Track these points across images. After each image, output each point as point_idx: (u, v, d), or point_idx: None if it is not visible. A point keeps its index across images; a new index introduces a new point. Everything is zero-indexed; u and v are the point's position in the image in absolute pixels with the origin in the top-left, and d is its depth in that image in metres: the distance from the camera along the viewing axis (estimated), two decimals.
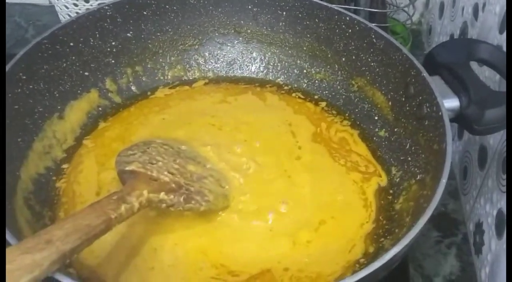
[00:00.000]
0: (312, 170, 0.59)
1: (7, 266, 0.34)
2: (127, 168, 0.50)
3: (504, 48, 0.57)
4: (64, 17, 0.82)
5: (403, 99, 0.58)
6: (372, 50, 0.62)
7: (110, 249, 0.50)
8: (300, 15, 0.67)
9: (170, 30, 0.69)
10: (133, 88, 0.68)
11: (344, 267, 0.51)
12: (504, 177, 0.56)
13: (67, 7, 0.80)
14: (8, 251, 0.35)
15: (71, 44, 0.61)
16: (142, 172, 0.49)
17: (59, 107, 0.60)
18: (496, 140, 0.59)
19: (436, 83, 0.54)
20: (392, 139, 0.61)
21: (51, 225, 0.40)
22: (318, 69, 0.69)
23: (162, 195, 0.49)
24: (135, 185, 0.48)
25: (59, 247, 0.37)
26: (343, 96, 0.68)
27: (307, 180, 0.58)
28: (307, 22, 0.67)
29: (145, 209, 0.48)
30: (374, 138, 0.63)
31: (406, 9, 0.89)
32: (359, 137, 0.64)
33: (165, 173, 0.50)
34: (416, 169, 0.55)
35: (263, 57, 0.72)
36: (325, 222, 0.54)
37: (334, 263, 0.51)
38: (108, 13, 0.64)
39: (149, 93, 0.69)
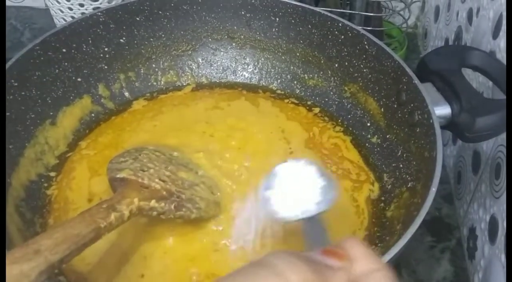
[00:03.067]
0: None
1: None
2: (118, 176, 0.50)
3: (497, 54, 0.57)
4: (59, 21, 0.82)
5: (395, 106, 0.59)
6: (364, 56, 0.62)
7: (100, 256, 0.50)
8: (293, 21, 0.67)
9: (163, 35, 0.69)
10: (126, 94, 0.68)
11: None
12: (497, 182, 0.56)
13: (62, 11, 0.80)
14: None
15: (64, 50, 0.61)
16: (133, 180, 0.49)
17: (51, 113, 0.60)
18: (489, 146, 0.59)
19: (427, 90, 0.53)
20: (384, 146, 0.61)
21: (40, 234, 0.40)
22: (311, 75, 0.69)
23: (153, 203, 0.48)
24: (125, 192, 0.47)
25: (47, 257, 0.37)
26: (336, 102, 0.68)
27: None
28: (300, 28, 0.67)
29: (135, 216, 0.47)
30: (366, 144, 0.63)
31: (401, 12, 0.88)
32: (352, 144, 0.64)
33: (156, 180, 0.50)
34: (407, 176, 0.55)
35: (256, 63, 0.72)
36: None
37: None
38: (101, 19, 0.64)
39: (141, 99, 0.69)
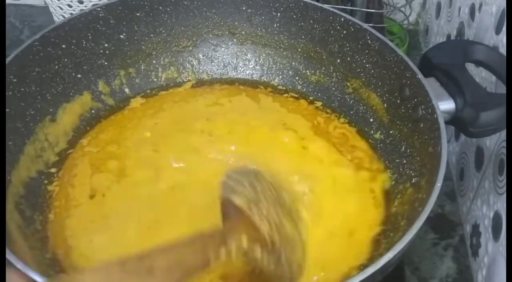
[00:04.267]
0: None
1: None
2: (233, 200, 0.41)
3: (500, 49, 0.57)
4: (59, 18, 0.82)
5: (398, 101, 0.58)
6: (367, 51, 0.62)
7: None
8: (294, 16, 0.67)
9: (163, 31, 0.69)
10: (126, 90, 0.68)
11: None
12: (501, 178, 0.55)
13: (61, 8, 0.80)
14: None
15: (63, 46, 0.60)
16: (245, 213, 0.40)
17: (51, 110, 0.60)
18: (492, 142, 0.58)
19: (431, 85, 0.53)
20: (387, 141, 0.60)
21: (153, 248, 0.35)
22: (313, 71, 0.69)
23: (258, 251, 0.39)
24: (237, 226, 0.40)
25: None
26: (338, 98, 0.67)
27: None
28: (302, 24, 0.67)
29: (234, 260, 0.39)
30: (369, 140, 0.63)
31: (402, 9, 0.88)
32: (358, 135, 0.64)
33: (266, 223, 0.40)
34: (411, 172, 0.54)
35: (257, 59, 0.72)
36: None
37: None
38: (100, 14, 0.63)
39: (141, 95, 0.68)
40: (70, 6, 0.79)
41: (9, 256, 0.38)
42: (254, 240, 0.39)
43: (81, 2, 0.78)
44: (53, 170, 0.58)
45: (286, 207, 0.43)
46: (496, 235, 0.55)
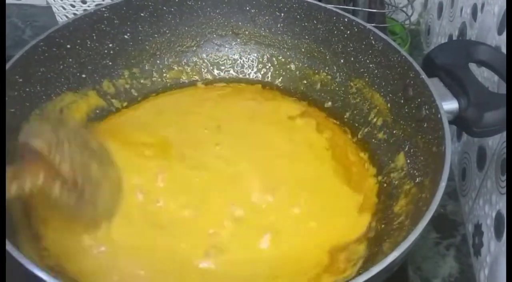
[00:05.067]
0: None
1: None
2: (32, 142, 0.45)
3: (503, 49, 0.57)
4: (62, 18, 0.82)
5: (402, 101, 0.58)
6: (370, 51, 0.62)
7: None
8: (298, 16, 0.67)
9: (167, 31, 0.69)
10: (130, 90, 0.68)
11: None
12: (503, 178, 0.55)
13: (64, 8, 0.80)
14: None
15: (68, 46, 0.61)
16: (45, 156, 0.44)
17: (56, 110, 0.60)
18: (495, 141, 0.59)
19: (435, 85, 0.53)
20: (391, 141, 0.60)
21: None
22: (316, 71, 0.69)
23: (56, 187, 0.44)
24: (33, 165, 0.44)
25: None
26: (342, 98, 0.67)
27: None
28: (305, 24, 0.67)
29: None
30: (373, 140, 0.63)
31: (404, 9, 0.88)
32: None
33: (66, 163, 0.45)
34: (415, 172, 0.54)
35: (261, 59, 0.72)
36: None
37: None
38: (105, 14, 0.63)
39: (146, 95, 0.69)
40: (73, 6, 0.79)
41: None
42: (53, 178, 0.44)
43: (84, 2, 0.78)
44: None
45: (96, 152, 0.50)
46: (498, 235, 0.56)
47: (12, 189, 0.41)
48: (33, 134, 0.46)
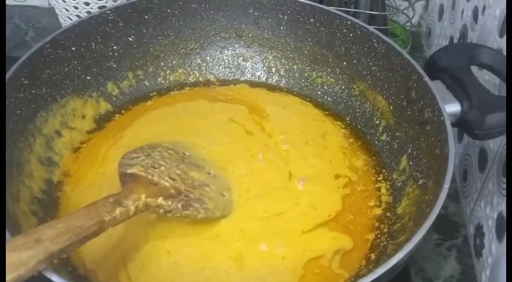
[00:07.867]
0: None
1: None
2: (128, 171, 0.50)
3: (504, 52, 0.57)
4: (64, 20, 0.82)
5: (405, 103, 0.59)
6: (373, 54, 0.62)
7: (106, 250, 0.50)
8: (301, 19, 0.68)
9: (171, 34, 0.69)
10: (135, 92, 0.68)
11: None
12: (505, 180, 0.56)
13: (67, 10, 0.80)
14: None
15: (73, 48, 0.61)
16: (142, 176, 0.49)
17: (61, 111, 0.60)
18: (496, 143, 0.59)
19: (437, 88, 0.54)
20: (394, 144, 0.61)
21: (43, 224, 0.39)
22: (319, 73, 0.70)
23: (160, 200, 0.48)
24: (133, 188, 0.47)
25: (47, 246, 0.37)
26: (344, 100, 0.68)
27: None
28: (308, 26, 0.67)
29: (141, 213, 0.47)
30: (376, 142, 0.63)
31: (405, 11, 0.89)
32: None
33: (166, 178, 0.50)
34: (418, 174, 0.55)
35: (264, 61, 0.72)
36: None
37: None
38: (110, 17, 0.64)
39: (150, 97, 0.69)
40: (76, 8, 0.79)
41: None
42: (156, 194, 0.48)
43: (87, 4, 0.78)
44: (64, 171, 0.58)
45: (193, 162, 0.55)
46: (499, 236, 0.56)
47: (117, 215, 0.43)
48: (128, 165, 0.51)
